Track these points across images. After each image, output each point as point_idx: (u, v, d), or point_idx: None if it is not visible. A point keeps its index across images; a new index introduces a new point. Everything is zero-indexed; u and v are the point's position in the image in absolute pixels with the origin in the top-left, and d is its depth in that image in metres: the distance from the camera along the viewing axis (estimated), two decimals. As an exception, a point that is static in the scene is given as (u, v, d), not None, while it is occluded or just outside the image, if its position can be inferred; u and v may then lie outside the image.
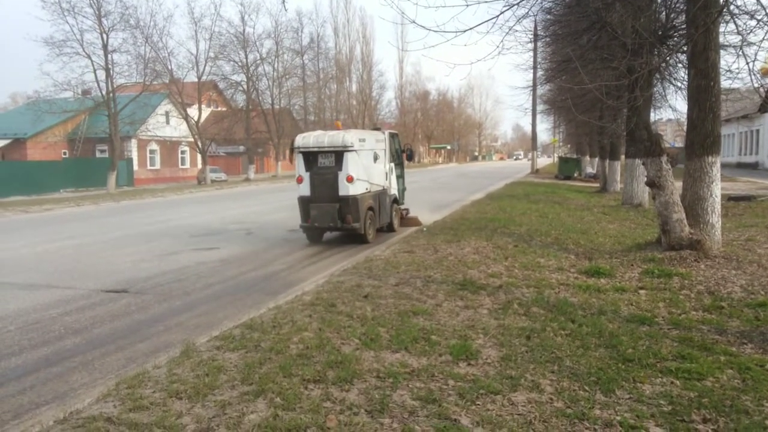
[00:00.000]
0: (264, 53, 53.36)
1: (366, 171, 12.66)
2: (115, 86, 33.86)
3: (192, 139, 45.12)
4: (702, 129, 9.97)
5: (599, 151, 31.85)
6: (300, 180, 12.49)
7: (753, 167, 42.99)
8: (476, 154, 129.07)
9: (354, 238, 12.70)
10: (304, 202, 12.44)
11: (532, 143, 50.84)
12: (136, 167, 46.38)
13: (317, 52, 64.05)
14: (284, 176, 53.03)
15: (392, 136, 14.81)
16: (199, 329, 6.46)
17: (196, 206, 24.20)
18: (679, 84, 18.28)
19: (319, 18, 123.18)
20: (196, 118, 45.27)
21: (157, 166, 50.48)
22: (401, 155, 15.28)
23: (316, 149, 12.19)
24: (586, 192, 26.96)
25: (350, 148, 11.98)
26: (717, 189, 10.05)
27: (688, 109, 10.30)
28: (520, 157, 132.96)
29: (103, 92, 33.65)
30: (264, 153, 57.69)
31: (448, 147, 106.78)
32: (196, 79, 48.66)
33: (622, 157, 32.58)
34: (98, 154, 46.53)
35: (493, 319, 5.97)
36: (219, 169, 53.03)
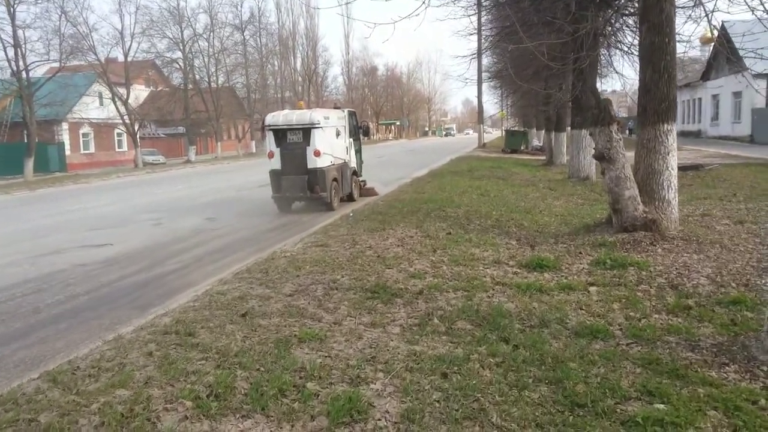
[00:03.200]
0: (200, 29, 50.61)
1: (330, 146, 13.82)
2: (27, 65, 30.78)
3: (138, 121, 42.17)
4: (656, 92, 8.73)
5: (545, 122, 30.88)
6: (271, 155, 13.64)
7: (696, 135, 43.01)
8: (427, 129, 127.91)
9: (319, 207, 13.80)
10: (276, 175, 13.58)
11: (478, 116, 49.70)
12: (68, 152, 43.15)
13: (259, 27, 61.13)
14: (226, 157, 50.62)
15: (351, 114, 16.10)
16: (18, 369, 4.82)
17: (116, 193, 22.07)
18: (625, 48, 17.24)
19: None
20: (131, 100, 42.38)
21: (92, 149, 47.20)
22: (359, 131, 16.41)
23: (285, 127, 13.40)
24: (531, 165, 25.94)
25: (317, 125, 13.19)
26: (673, 161, 8.87)
27: (640, 71, 9.04)
28: (452, 132, 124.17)
29: (18, 71, 30.50)
30: (207, 134, 54.83)
31: (398, 123, 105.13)
32: (129, 58, 45.73)
33: (568, 128, 31.84)
34: (26, 139, 43.02)
35: (404, 343, 4.54)
36: (157, 152, 50.11)
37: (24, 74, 30.94)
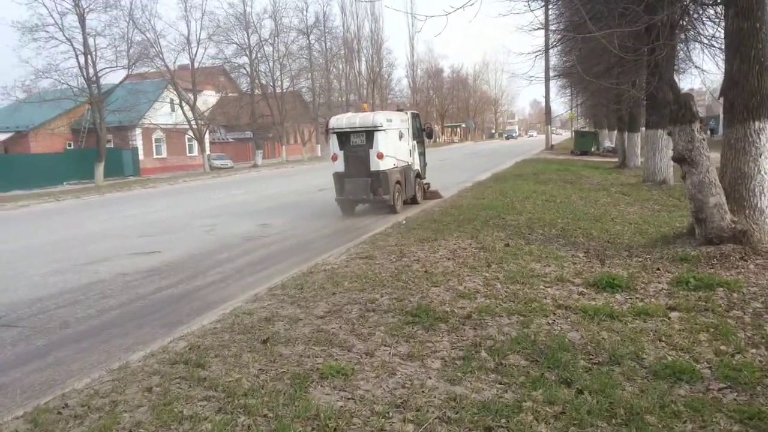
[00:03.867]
0: (266, 34, 51.27)
1: (393, 148, 13.80)
2: (98, 72, 31.84)
3: (204, 126, 43.12)
4: (745, 85, 7.66)
5: (617, 122, 29.26)
6: (335, 158, 13.63)
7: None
8: (493, 131, 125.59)
9: (382, 210, 13.85)
10: (339, 178, 13.59)
11: (545, 116, 47.97)
12: (141, 156, 44.61)
13: (323, 31, 61.41)
14: (292, 161, 51.03)
15: (414, 116, 15.94)
16: (24, 395, 4.44)
17: (179, 197, 22.31)
18: (705, 40, 15.81)
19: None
20: (200, 105, 43.38)
21: (164, 154, 48.58)
22: (422, 134, 16.30)
23: (348, 129, 13.39)
24: (603, 168, 24.52)
25: (379, 128, 13.16)
26: (767, 163, 7.76)
27: (726, 62, 7.98)
28: (514, 134, 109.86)
29: (88, 78, 31.55)
30: (274, 138, 55.48)
31: (463, 125, 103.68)
32: (197, 64, 46.85)
33: (642, 128, 30.01)
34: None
35: (444, 382, 3.85)
36: (225, 156, 51.15)
37: (95, 81, 31.90)
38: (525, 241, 8.58)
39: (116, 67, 33.13)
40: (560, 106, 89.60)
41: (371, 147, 13.19)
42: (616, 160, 28.38)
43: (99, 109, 32.03)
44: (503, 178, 19.62)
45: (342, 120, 13.75)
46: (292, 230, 12.27)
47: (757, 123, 7.64)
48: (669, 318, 5.19)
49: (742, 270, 6.82)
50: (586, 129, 46.70)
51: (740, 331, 4.90)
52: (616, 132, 36.44)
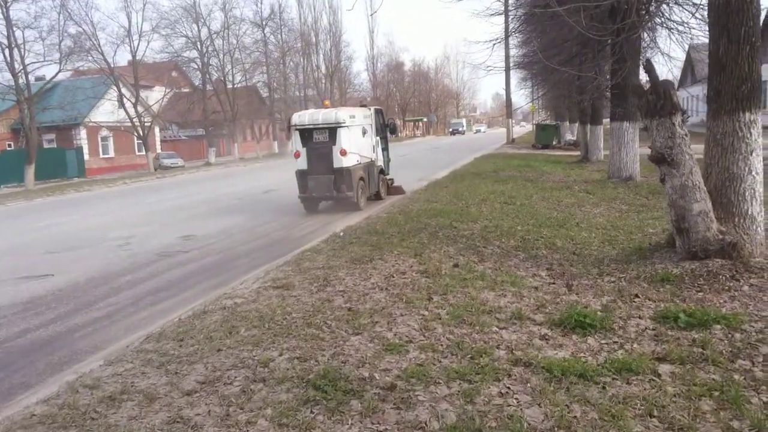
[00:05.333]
0: (217, 26, 49.08)
1: (356, 144, 13.65)
2: (26, 66, 29.39)
3: (148, 123, 40.84)
4: (735, 70, 6.46)
5: (579, 115, 28.35)
6: (297, 155, 13.44)
7: None
8: (470, 125, 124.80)
9: (347, 207, 13.49)
10: (302, 175, 13.38)
11: (506, 109, 47.02)
12: (87, 156, 42.00)
13: (280, 24, 59.40)
14: (247, 159, 48.98)
15: (377, 111, 15.73)
16: None
17: (109, 202, 20.39)
18: (674, 27, 14.79)
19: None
20: (150, 102, 41.05)
21: (111, 154, 46.00)
22: (386, 129, 16.11)
23: (311, 126, 13.20)
24: (565, 163, 23.48)
25: (342, 124, 13.00)
26: (758, 162, 6.59)
27: (711, 42, 6.76)
28: (460, 129, 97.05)
29: (14, 74, 29.05)
30: (229, 135, 53.22)
31: (425, 119, 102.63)
32: (143, 58, 44.44)
33: (605, 120, 29.17)
34: (46, 144, 42.10)
35: None
36: (175, 155, 48.66)
37: (23, 77, 29.48)
38: (478, 258, 7.23)
39: (46, 61, 30.66)
40: (521, 98, 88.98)
41: (334, 144, 13.01)
42: (578, 153, 27.47)
43: (29, 108, 29.60)
44: (461, 177, 18.33)
45: (304, 117, 13.56)
46: (218, 243, 10.72)
47: (747, 114, 6.44)
48: (659, 376, 3.88)
49: (736, 294, 5.61)
50: (548, 122, 45.91)
51: (753, 393, 3.63)
52: (577, 125, 35.64)
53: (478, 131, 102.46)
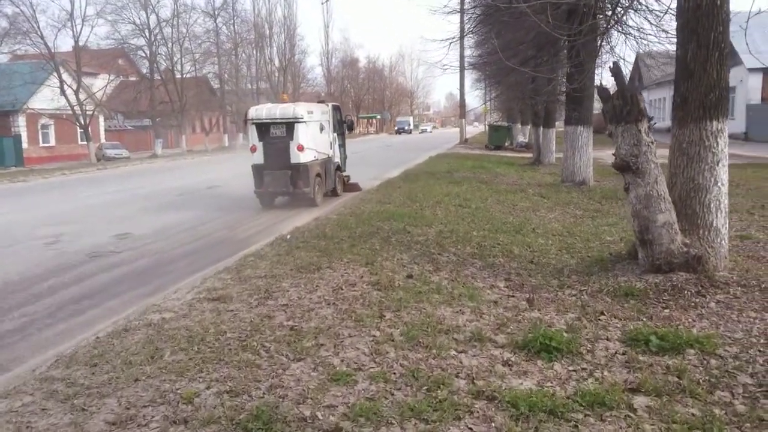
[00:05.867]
0: (168, 14, 47.41)
1: (314, 140, 13.56)
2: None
3: (90, 112, 38.96)
4: (702, 77, 6.21)
5: (532, 117, 28.40)
6: (254, 149, 13.24)
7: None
8: (416, 123, 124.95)
9: (303, 203, 13.39)
10: (258, 170, 13.22)
11: (460, 109, 47.01)
12: (26, 145, 39.75)
13: (233, 14, 57.89)
14: (195, 151, 47.44)
15: (335, 108, 15.79)
16: None
17: (44, 195, 19.17)
18: (631, 32, 14.75)
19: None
20: (97, 89, 39.20)
21: (52, 142, 43.68)
22: (343, 126, 16.08)
23: (268, 120, 13.03)
24: (518, 165, 23.40)
25: (300, 120, 12.89)
26: (724, 173, 6.36)
27: (679, 47, 6.49)
28: (406, 127, 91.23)
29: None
30: (177, 126, 51.34)
31: (379, 117, 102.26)
32: (88, 44, 42.46)
33: (558, 124, 29.33)
34: (-26, 132, 39.73)
35: None
36: (120, 145, 46.66)
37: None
38: (433, 267, 6.79)
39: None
40: (475, 99, 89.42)
41: (292, 139, 12.88)
42: (530, 155, 27.52)
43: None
44: (414, 177, 17.92)
45: (262, 111, 13.37)
46: (154, 243, 9.97)
47: (714, 123, 6.20)
48: (635, 411, 3.50)
49: (704, 311, 5.33)
50: (501, 123, 46.15)
51: (735, 430, 3.28)
52: (530, 127, 35.84)
53: (423, 131, 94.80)
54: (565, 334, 4.49)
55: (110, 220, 12.66)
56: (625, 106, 6.19)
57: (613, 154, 6.51)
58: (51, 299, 6.88)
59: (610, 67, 6.35)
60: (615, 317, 5.10)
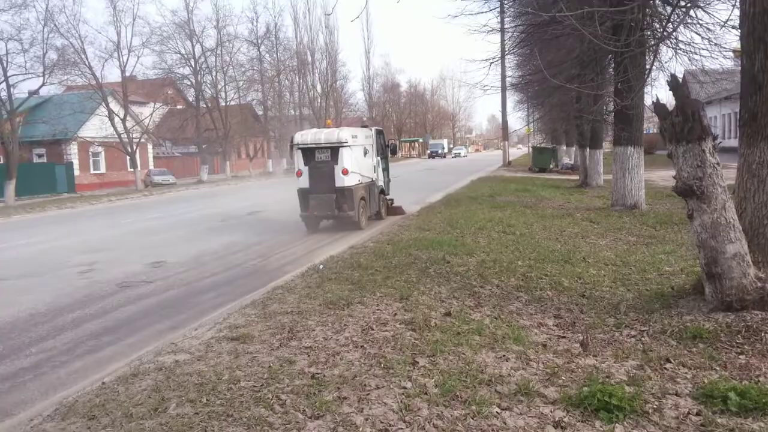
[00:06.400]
0: (212, 44, 48.42)
1: (358, 164, 13.69)
2: (8, 78, 28.40)
3: (143, 140, 39.95)
4: (777, 89, 5.55)
5: (578, 138, 27.54)
6: (299, 174, 13.48)
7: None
8: (451, 146, 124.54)
9: (348, 226, 13.56)
10: (304, 194, 13.41)
11: (502, 131, 46.30)
12: (77, 172, 40.98)
13: (275, 42, 58.89)
14: (239, 177, 47.96)
15: (378, 132, 15.92)
16: None
17: (87, 222, 19.32)
18: (682, 47, 14.01)
19: (276, 6, 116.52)
20: (145, 116, 40.24)
21: (102, 169, 44.97)
22: (386, 150, 16.32)
23: (313, 145, 13.24)
24: (564, 188, 22.60)
25: (345, 144, 13.08)
26: (803, 197, 5.64)
27: (745, 57, 5.87)
28: (440, 151, 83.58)
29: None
30: (222, 152, 52.13)
31: (421, 140, 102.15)
32: (135, 74, 43.72)
33: (605, 144, 28.41)
34: (36, 159, 41.17)
35: None
36: (167, 171, 47.60)
37: (5, 89, 28.53)
38: (474, 302, 6.23)
39: (28, 74, 29.66)
40: (517, 121, 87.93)
41: (336, 163, 13.06)
42: (576, 177, 26.66)
43: (11, 121, 28.59)
44: (456, 201, 17.36)
45: (307, 136, 13.62)
46: (186, 273, 9.70)
47: (791, 141, 5.52)
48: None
49: (787, 358, 4.61)
50: (544, 145, 45.20)
51: None
52: (575, 148, 34.91)
53: (457, 155, 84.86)
54: (626, 388, 3.88)
55: (147, 247, 12.52)
56: (686, 124, 5.57)
57: (674, 177, 5.88)
58: (72, 333, 6.59)
59: (667, 80, 5.74)
60: (683, 365, 4.45)
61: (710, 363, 4.49)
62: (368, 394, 3.80)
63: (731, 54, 15.44)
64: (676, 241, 10.36)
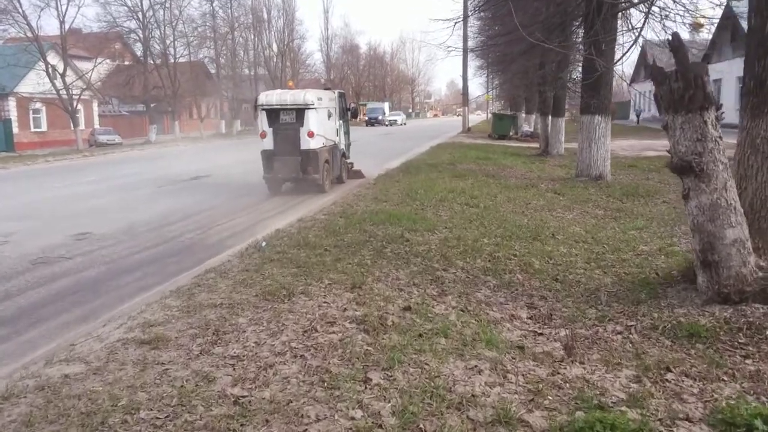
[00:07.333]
0: (160, -5, 45.60)
1: (322, 127, 13.56)
2: None
3: (87, 97, 37.44)
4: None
5: (540, 105, 26.90)
6: (263, 135, 13.19)
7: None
8: (410, 111, 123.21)
9: (306, 192, 13.31)
10: (268, 156, 13.18)
11: (462, 97, 45.38)
12: (16, 130, 38.24)
13: (230, -4, 56.16)
14: (192, 138, 45.89)
15: (341, 95, 15.93)
16: None
17: (19, 184, 17.77)
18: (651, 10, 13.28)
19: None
20: (89, 73, 37.62)
21: (44, 128, 42.17)
22: (347, 113, 16.25)
23: (278, 107, 13.03)
24: (525, 156, 21.96)
25: (311, 106, 12.91)
26: (811, 176, 4.97)
27: (751, 14, 5.10)
28: (383, 118, 66.29)
29: None
30: (171, 112, 49.56)
31: (388, 103, 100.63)
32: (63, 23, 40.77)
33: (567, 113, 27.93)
34: (-44, 117, 38.25)
35: None
36: (112, 131, 45.09)
37: None
38: (438, 290, 5.42)
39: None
40: (477, 88, 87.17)
41: (302, 125, 12.86)
42: (536, 145, 26.13)
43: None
44: (415, 169, 16.49)
45: (272, 96, 13.38)
46: (113, 247, 8.60)
47: (802, 112, 4.81)
48: None
49: (801, 364, 3.96)
50: (505, 112, 44.60)
51: None
52: (534, 116, 34.36)
53: (392, 123, 65.67)
54: (629, 414, 3.12)
55: (74, 216, 11.27)
56: (687, 90, 4.80)
57: (668, 152, 5.13)
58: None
59: (668, 39, 4.93)
60: (686, 375, 3.74)
61: (716, 371, 3.80)
62: (306, 430, 2.93)
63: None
64: (644, 214, 9.81)
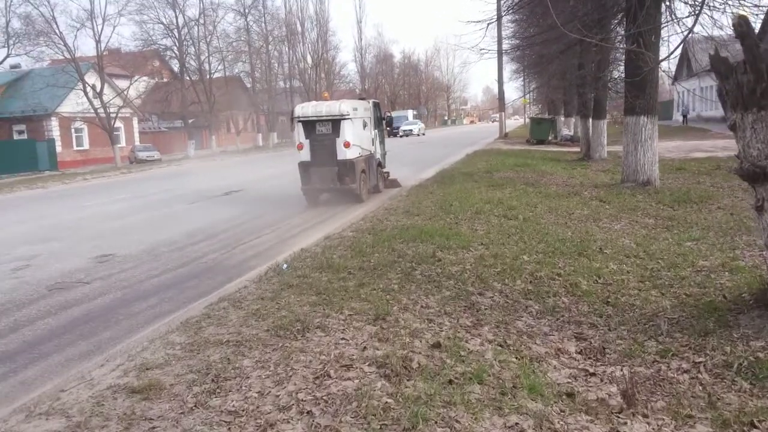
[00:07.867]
0: (197, 13, 46.37)
1: (358, 137, 13.57)
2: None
3: (126, 114, 38.14)
4: None
5: (580, 108, 25.93)
6: (300, 147, 13.30)
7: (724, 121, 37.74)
8: (446, 118, 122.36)
9: (347, 199, 13.45)
10: (305, 167, 13.26)
11: (498, 102, 44.51)
12: (59, 149, 39.21)
13: (263, 11, 56.61)
14: (229, 152, 46.18)
15: (375, 105, 15.77)
16: None
17: (53, 204, 17.84)
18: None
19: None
20: (130, 92, 38.38)
21: (86, 146, 43.13)
22: (382, 122, 16.19)
23: (314, 118, 13.08)
24: (565, 161, 21.11)
25: (346, 117, 12.97)
26: None
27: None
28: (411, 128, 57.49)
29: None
30: (208, 126, 50.09)
31: (414, 112, 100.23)
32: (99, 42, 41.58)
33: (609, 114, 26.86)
34: (17, 136, 39.40)
35: None
36: (151, 147, 45.82)
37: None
38: (472, 319, 4.81)
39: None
40: (513, 92, 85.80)
41: (338, 136, 12.95)
42: (577, 150, 25.20)
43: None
44: (449, 178, 15.87)
45: (308, 108, 13.39)
46: (133, 269, 8.25)
47: None
48: None
49: None
50: (543, 116, 43.52)
51: None
52: (574, 119, 33.32)
53: (407, 133, 56.91)
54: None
55: (100, 236, 11.05)
56: (758, 84, 4.11)
57: (736, 156, 4.43)
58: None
59: (732, 22, 4.24)
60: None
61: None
62: None
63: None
64: (699, 223, 8.97)
